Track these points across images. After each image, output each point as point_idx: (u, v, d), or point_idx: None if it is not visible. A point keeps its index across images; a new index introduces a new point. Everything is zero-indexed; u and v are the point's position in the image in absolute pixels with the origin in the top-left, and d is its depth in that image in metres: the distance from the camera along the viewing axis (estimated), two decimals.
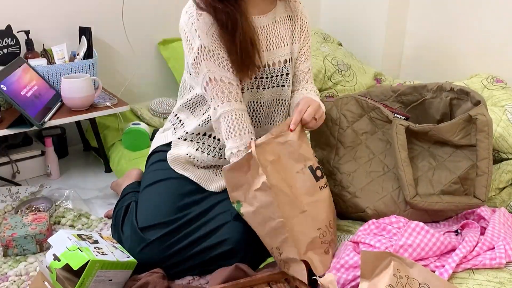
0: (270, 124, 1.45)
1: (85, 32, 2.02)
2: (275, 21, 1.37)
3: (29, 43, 1.97)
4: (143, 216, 1.35)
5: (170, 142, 1.46)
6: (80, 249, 1.14)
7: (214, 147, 1.41)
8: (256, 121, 1.42)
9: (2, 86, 1.68)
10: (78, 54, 2.00)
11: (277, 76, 1.38)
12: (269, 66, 1.36)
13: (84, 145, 2.24)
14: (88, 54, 2.01)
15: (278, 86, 1.39)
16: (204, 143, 1.41)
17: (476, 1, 2.12)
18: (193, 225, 1.31)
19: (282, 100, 1.42)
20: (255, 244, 1.25)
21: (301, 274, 1.14)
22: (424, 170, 1.35)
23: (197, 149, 1.41)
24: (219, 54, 1.26)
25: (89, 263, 1.11)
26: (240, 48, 1.25)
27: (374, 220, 1.27)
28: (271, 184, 1.15)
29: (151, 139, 1.95)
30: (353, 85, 2.21)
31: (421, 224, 1.18)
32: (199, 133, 1.41)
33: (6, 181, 1.91)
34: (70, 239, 1.17)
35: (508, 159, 1.60)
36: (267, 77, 1.36)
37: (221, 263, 1.27)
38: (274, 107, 1.43)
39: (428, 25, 2.36)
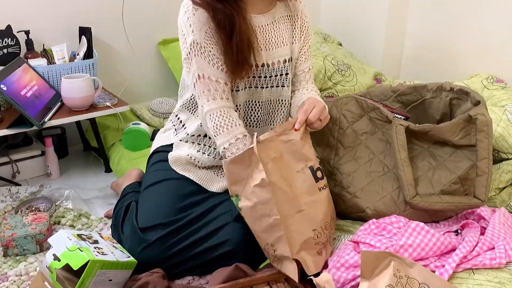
0: (270, 124, 1.45)
1: (85, 32, 2.02)
2: (275, 21, 1.36)
3: (29, 43, 1.97)
4: (144, 216, 1.34)
5: (172, 144, 1.46)
6: (80, 249, 1.14)
7: (214, 148, 1.41)
8: (254, 121, 1.42)
9: (2, 86, 1.68)
10: (78, 54, 2.00)
11: (276, 76, 1.38)
12: (268, 66, 1.35)
13: (84, 145, 2.24)
14: (88, 54, 2.01)
15: (278, 86, 1.39)
16: (205, 145, 1.41)
17: (476, 1, 2.12)
18: (194, 226, 1.30)
19: (282, 100, 1.42)
20: (255, 245, 1.25)
21: (293, 272, 1.14)
22: (424, 170, 1.35)
23: (198, 151, 1.41)
24: (210, 51, 1.26)
25: (89, 263, 1.11)
26: (236, 49, 1.25)
27: (374, 220, 1.27)
28: (270, 181, 1.16)
29: (151, 139, 1.95)
30: (353, 85, 2.20)
31: (421, 224, 1.18)
32: (199, 135, 1.41)
33: (6, 181, 1.91)
34: (70, 239, 1.17)
35: (508, 159, 1.59)
36: (265, 77, 1.36)
37: (221, 263, 1.27)
38: (273, 107, 1.42)
39: (428, 25, 2.36)
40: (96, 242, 1.24)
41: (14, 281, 1.35)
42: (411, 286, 1.02)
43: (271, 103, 1.41)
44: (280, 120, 1.45)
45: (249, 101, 1.38)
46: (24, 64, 1.86)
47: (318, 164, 1.27)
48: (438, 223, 1.35)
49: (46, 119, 1.76)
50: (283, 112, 1.44)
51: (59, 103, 1.89)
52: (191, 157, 1.41)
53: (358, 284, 1.06)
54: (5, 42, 1.89)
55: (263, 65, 1.35)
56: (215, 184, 1.41)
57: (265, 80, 1.37)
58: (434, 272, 1.11)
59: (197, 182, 1.39)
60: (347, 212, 1.42)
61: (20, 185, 1.91)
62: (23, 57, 1.93)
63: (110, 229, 1.50)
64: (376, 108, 1.41)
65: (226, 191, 1.38)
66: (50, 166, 1.97)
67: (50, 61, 2.00)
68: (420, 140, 1.37)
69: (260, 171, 1.15)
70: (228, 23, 1.24)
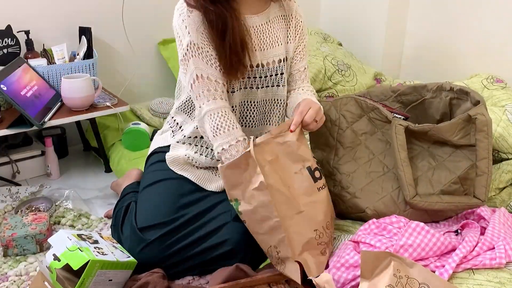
0: (266, 124, 1.45)
1: (85, 32, 2.02)
2: (269, 21, 1.36)
3: (29, 43, 1.97)
4: (143, 216, 1.35)
5: (169, 145, 1.46)
6: (80, 249, 1.14)
7: (211, 149, 1.41)
8: (250, 121, 1.41)
9: (2, 86, 1.68)
10: (78, 54, 2.00)
11: (271, 76, 1.37)
12: (262, 66, 1.35)
13: (84, 145, 2.24)
14: (88, 54, 2.01)
15: (273, 86, 1.39)
16: (202, 146, 1.41)
17: (476, 1, 2.12)
18: (193, 225, 1.31)
19: (277, 100, 1.42)
20: (255, 244, 1.25)
21: (295, 274, 1.14)
22: (424, 170, 1.35)
23: (195, 152, 1.41)
24: (207, 51, 1.26)
25: (89, 263, 1.11)
26: (230, 50, 1.25)
27: (374, 220, 1.27)
28: (269, 184, 1.16)
29: (151, 139, 1.95)
30: (353, 85, 2.21)
31: (422, 224, 1.18)
32: (196, 136, 1.41)
33: (6, 181, 1.91)
34: (70, 239, 1.17)
35: (508, 159, 1.59)
36: (260, 77, 1.36)
37: (221, 263, 1.27)
38: (269, 107, 1.42)
39: (428, 25, 2.36)
40: (96, 242, 1.24)
41: (14, 281, 1.36)
42: (411, 286, 1.02)
43: (266, 103, 1.41)
44: (276, 119, 1.45)
45: (244, 101, 1.38)
46: (24, 64, 1.86)
47: (315, 164, 1.27)
48: (438, 223, 1.35)
49: (46, 119, 1.76)
50: (279, 111, 1.44)
51: (59, 103, 1.89)
52: (188, 157, 1.41)
53: (358, 284, 1.06)
54: (5, 42, 1.89)
55: (258, 66, 1.35)
56: (213, 183, 1.41)
57: (260, 80, 1.37)
58: (434, 272, 1.11)
59: (195, 181, 1.39)
60: (346, 212, 1.42)
61: (20, 185, 1.91)
62: (23, 57, 1.93)
63: (110, 229, 1.50)
64: (376, 108, 1.41)
65: (224, 191, 1.38)
66: (50, 166, 1.97)
67: (50, 61, 2.00)
68: (419, 140, 1.37)
69: (258, 174, 1.15)
70: (220, 24, 1.24)
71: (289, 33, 1.41)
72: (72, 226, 1.63)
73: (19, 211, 1.68)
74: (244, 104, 1.38)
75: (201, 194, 1.38)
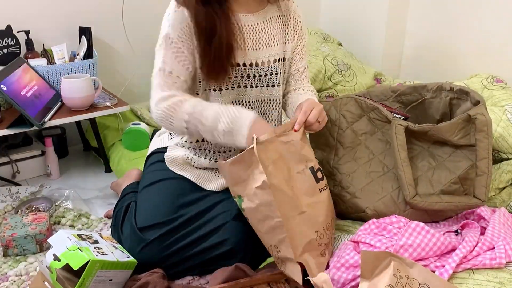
0: None
1: (85, 32, 2.02)
2: (266, 20, 1.36)
3: (29, 43, 1.97)
4: (142, 216, 1.35)
5: (167, 147, 1.46)
6: (80, 249, 1.14)
7: (209, 151, 1.41)
8: None
9: (2, 86, 1.68)
10: (78, 54, 2.01)
11: (265, 75, 1.37)
12: (256, 65, 1.35)
13: (84, 145, 2.24)
14: (88, 54, 2.01)
15: (268, 86, 1.38)
16: (200, 149, 1.41)
17: (476, 1, 2.12)
18: (193, 225, 1.30)
19: (273, 100, 1.41)
20: (254, 244, 1.25)
21: (297, 275, 1.14)
22: (424, 170, 1.35)
23: (194, 154, 1.42)
24: (180, 48, 1.27)
25: (89, 263, 1.11)
26: (214, 55, 1.26)
27: (374, 220, 1.27)
28: (272, 184, 1.15)
29: (151, 139, 1.95)
30: (353, 85, 2.21)
31: (422, 224, 1.18)
32: (191, 141, 1.41)
33: (6, 181, 1.91)
34: (70, 239, 1.17)
35: (508, 159, 1.60)
36: (254, 76, 1.36)
37: (221, 263, 1.27)
38: (265, 107, 1.41)
39: (428, 25, 2.36)
40: (96, 242, 1.24)
41: (14, 281, 1.36)
42: (411, 286, 1.02)
43: (261, 103, 1.40)
44: (272, 120, 1.44)
45: (237, 101, 1.38)
46: (24, 64, 1.86)
47: (318, 164, 1.27)
48: (438, 223, 1.35)
49: (46, 119, 1.76)
50: (275, 112, 1.43)
51: (59, 103, 1.89)
52: (187, 157, 1.41)
53: (358, 284, 1.06)
54: (5, 42, 1.89)
55: (251, 64, 1.34)
56: (212, 182, 1.40)
57: (254, 80, 1.36)
58: (434, 272, 1.11)
59: (195, 181, 1.39)
60: (346, 212, 1.42)
61: (20, 185, 1.91)
62: (23, 57, 1.93)
63: (110, 229, 1.50)
64: (376, 108, 1.41)
65: (224, 190, 1.38)
66: (50, 166, 1.97)
67: (50, 61, 2.00)
68: (419, 140, 1.37)
69: (261, 173, 1.15)
70: (209, 28, 1.24)
71: (287, 33, 1.40)
72: (72, 226, 1.63)
73: (19, 211, 1.68)
74: (237, 104, 1.38)
75: (200, 194, 1.38)
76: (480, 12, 2.11)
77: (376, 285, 1.02)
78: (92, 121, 1.97)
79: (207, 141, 1.39)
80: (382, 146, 1.41)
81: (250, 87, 1.36)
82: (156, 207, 1.34)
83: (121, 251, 1.28)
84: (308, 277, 1.14)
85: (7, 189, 1.84)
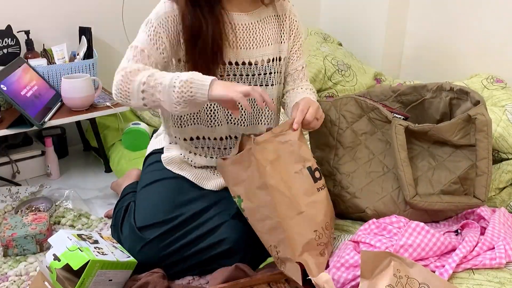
0: (257, 124, 1.43)
1: (85, 32, 2.02)
2: (260, 20, 1.36)
3: (29, 43, 1.97)
4: (141, 215, 1.35)
5: (163, 148, 1.46)
6: (80, 249, 1.14)
7: (203, 147, 1.40)
8: (239, 120, 1.40)
9: (2, 86, 1.68)
10: (78, 54, 2.01)
11: (259, 74, 1.37)
12: (249, 64, 1.35)
13: (84, 145, 2.24)
14: (88, 54, 2.01)
15: (262, 85, 1.38)
16: (196, 147, 1.41)
17: (476, 1, 2.12)
18: (192, 224, 1.31)
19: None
20: (254, 244, 1.25)
21: (296, 275, 1.14)
22: (424, 170, 1.35)
23: (190, 152, 1.42)
24: (159, 33, 1.25)
25: (89, 263, 1.11)
26: (198, 56, 1.26)
27: (374, 219, 1.27)
28: (270, 184, 1.15)
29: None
30: (353, 85, 2.21)
31: (422, 224, 1.18)
32: (185, 139, 1.41)
33: (6, 181, 1.91)
34: (70, 239, 1.17)
35: (508, 159, 1.59)
36: (247, 75, 1.36)
37: (220, 262, 1.27)
38: (257, 106, 1.41)
39: (428, 25, 2.36)
40: (96, 242, 1.24)
41: (14, 281, 1.36)
42: (411, 286, 1.02)
43: (254, 102, 1.39)
44: (267, 119, 1.44)
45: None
46: (24, 64, 1.86)
47: (315, 164, 1.27)
48: (438, 223, 1.35)
49: (46, 119, 1.76)
50: (269, 111, 1.43)
51: (59, 103, 1.89)
52: (184, 156, 1.41)
53: (358, 284, 1.06)
54: (5, 42, 1.89)
55: (243, 63, 1.34)
56: (211, 181, 1.40)
57: (247, 78, 1.36)
58: (434, 272, 1.11)
59: (193, 180, 1.39)
60: (346, 212, 1.42)
61: (20, 185, 1.91)
62: (23, 57, 1.93)
63: (110, 229, 1.50)
64: (376, 108, 1.41)
65: (222, 189, 1.38)
66: (50, 166, 1.97)
67: (50, 61, 2.00)
68: (419, 140, 1.37)
69: (260, 174, 1.15)
70: (195, 30, 1.24)
71: (283, 33, 1.41)
72: (72, 226, 1.64)
73: (19, 211, 1.68)
74: None
75: (199, 193, 1.38)
76: (480, 12, 2.11)
77: (376, 285, 1.02)
78: (92, 121, 1.97)
79: (203, 137, 1.39)
80: (382, 146, 1.41)
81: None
82: (155, 207, 1.34)
83: (121, 251, 1.28)
84: (309, 277, 1.14)
85: (7, 189, 1.84)
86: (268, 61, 1.37)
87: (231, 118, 1.39)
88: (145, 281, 1.20)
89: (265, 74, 1.38)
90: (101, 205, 1.78)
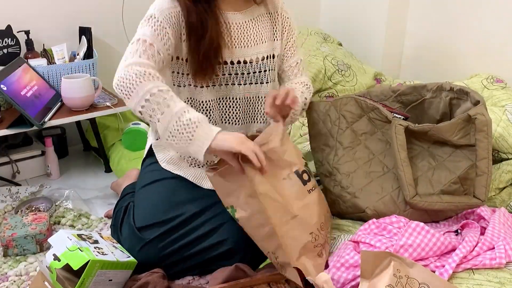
0: (252, 122, 1.44)
1: (85, 32, 2.02)
2: (253, 18, 1.37)
3: (29, 43, 1.97)
4: (141, 215, 1.35)
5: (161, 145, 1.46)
6: (80, 249, 1.14)
7: None
8: (233, 119, 1.40)
9: (2, 86, 1.68)
10: (78, 54, 2.01)
11: (254, 73, 1.38)
12: (245, 63, 1.35)
13: (84, 145, 2.24)
14: (88, 54, 2.01)
15: (257, 83, 1.39)
16: None
17: (476, 1, 2.12)
18: (191, 225, 1.30)
19: (260, 97, 1.41)
20: (254, 244, 1.25)
21: (296, 279, 1.14)
22: (424, 170, 1.35)
23: None
24: (164, 28, 1.23)
25: (89, 263, 1.11)
26: (203, 54, 1.25)
27: (374, 219, 1.27)
28: (260, 192, 1.15)
29: None
30: (353, 85, 2.20)
31: (422, 224, 1.18)
32: None
33: (6, 181, 1.91)
34: (70, 239, 1.17)
35: (508, 159, 1.59)
36: (242, 73, 1.36)
37: (220, 263, 1.27)
38: (252, 104, 1.41)
39: (428, 25, 2.36)
40: (96, 242, 1.24)
41: (14, 281, 1.36)
42: (411, 286, 1.02)
43: (249, 101, 1.40)
44: (261, 118, 1.43)
45: (224, 98, 1.37)
46: (24, 64, 1.86)
47: (303, 166, 1.25)
48: (438, 223, 1.35)
49: (46, 119, 1.76)
50: (263, 109, 1.42)
51: (59, 103, 1.89)
52: (181, 155, 1.41)
53: (358, 284, 1.07)
54: (5, 42, 1.89)
55: (238, 62, 1.35)
56: (210, 181, 1.40)
57: (242, 77, 1.37)
58: (434, 272, 1.11)
59: (192, 180, 1.39)
60: (346, 212, 1.42)
61: (20, 185, 1.91)
62: (23, 57, 1.93)
63: (110, 229, 1.50)
64: (376, 108, 1.41)
65: None
66: (50, 166, 1.97)
67: (50, 61, 2.00)
68: (419, 140, 1.37)
69: (249, 183, 1.15)
70: (200, 27, 1.24)
71: (276, 31, 1.41)
72: (72, 226, 1.63)
73: (19, 211, 1.68)
74: (225, 101, 1.38)
75: (198, 193, 1.37)
76: (480, 12, 2.11)
77: (376, 285, 1.02)
78: (92, 121, 1.97)
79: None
80: (382, 146, 1.41)
81: (238, 84, 1.37)
82: (154, 206, 1.34)
83: (121, 251, 1.28)
84: (308, 277, 1.14)
85: (7, 189, 1.84)
86: (263, 59, 1.38)
87: (226, 117, 1.39)
88: (145, 281, 1.20)
89: (260, 72, 1.38)
90: (101, 205, 1.78)
